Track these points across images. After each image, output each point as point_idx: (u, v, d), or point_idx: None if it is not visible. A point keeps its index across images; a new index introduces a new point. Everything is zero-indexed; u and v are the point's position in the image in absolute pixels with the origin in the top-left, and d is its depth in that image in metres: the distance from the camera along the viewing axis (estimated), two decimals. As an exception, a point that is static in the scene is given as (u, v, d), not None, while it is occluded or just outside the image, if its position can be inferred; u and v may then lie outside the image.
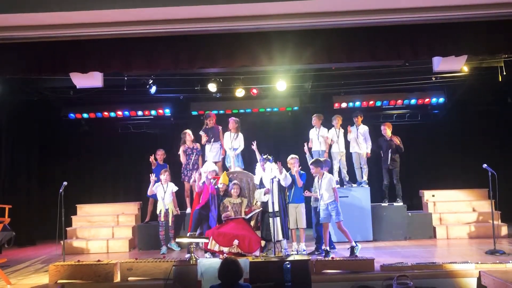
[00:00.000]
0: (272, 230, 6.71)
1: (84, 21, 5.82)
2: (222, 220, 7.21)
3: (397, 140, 8.90)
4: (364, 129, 8.82)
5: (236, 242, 6.60)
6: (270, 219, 6.84)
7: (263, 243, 6.85)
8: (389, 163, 8.86)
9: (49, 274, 5.99)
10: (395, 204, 8.80)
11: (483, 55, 7.54)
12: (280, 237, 6.98)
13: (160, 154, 8.97)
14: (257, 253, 6.60)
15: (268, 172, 7.22)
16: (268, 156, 7.31)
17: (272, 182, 6.79)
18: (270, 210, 6.88)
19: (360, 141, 8.77)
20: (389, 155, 8.86)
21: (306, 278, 5.56)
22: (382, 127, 9.03)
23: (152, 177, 8.22)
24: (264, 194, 7.04)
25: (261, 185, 7.33)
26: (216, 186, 7.45)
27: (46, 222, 9.25)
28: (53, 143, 10.72)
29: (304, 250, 7.30)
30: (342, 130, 8.84)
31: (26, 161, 10.08)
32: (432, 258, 6.63)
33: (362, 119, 8.89)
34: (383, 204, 8.81)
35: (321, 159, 7.64)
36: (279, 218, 6.99)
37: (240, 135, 8.63)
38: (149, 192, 8.29)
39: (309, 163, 7.51)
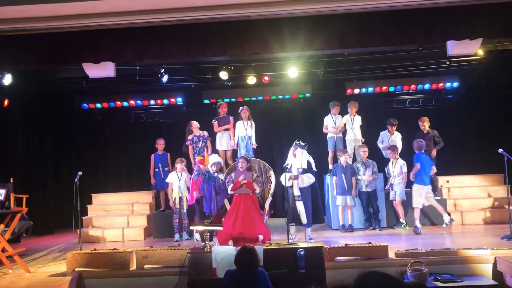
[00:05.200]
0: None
1: (96, 11, 5.84)
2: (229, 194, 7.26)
3: (436, 133, 8.92)
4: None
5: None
6: (297, 203, 7.02)
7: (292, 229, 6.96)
8: (430, 156, 8.78)
9: (67, 262, 6.10)
10: (436, 198, 8.73)
11: (498, 37, 7.37)
12: (304, 220, 7.05)
13: (161, 143, 9.04)
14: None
15: (299, 158, 7.25)
16: (301, 143, 7.32)
17: (297, 171, 7.08)
18: (296, 194, 7.04)
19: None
20: (430, 149, 8.82)
21: (320, 265, 5.58)
22: (419, 122, 8.94)
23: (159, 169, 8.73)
24: (289, 179, 7.06)
25: (290, 169, 7.23)
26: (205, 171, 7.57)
27: (63, 211, 9.38)
28: (67, 133, 10.82)
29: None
30: (358, 117, 8.84)
31: (41, 152, 10.19)
32: (447, 244, 6.59)
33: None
34: None
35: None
36: (301, 203, 7.06)
37: (253, 123, 8.69)
38: (153, 182, 8.94)
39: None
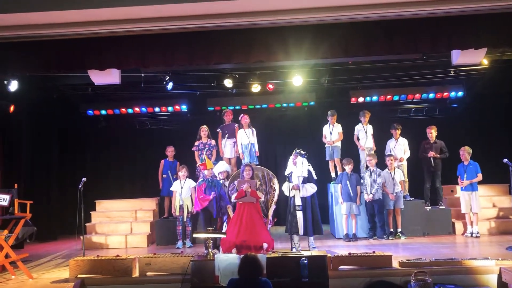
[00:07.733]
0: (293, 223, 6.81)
1: (102, 18, 5.88)
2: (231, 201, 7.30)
3: (443, 144, 8.89)
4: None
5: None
6: (297, 212, 6.98)
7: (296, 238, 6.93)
8: (433, 165, 8.77)
9: (70, 268, 6.09)
10: (440, 207, 8.76)
11: (503, 47, 7.38)
12: (301, 232, 7.02)
13: (171, 150, 9.05)
14: None
15: (299, 167, 7.22)
16: (301, 151, 7.30)
17: (298, 180, 6.99)
18: (297, 203, 7.00)
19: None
20: (434, 158, 8.81)
21: (323, 274, 5.54)
22: (427, 130, 8.91)
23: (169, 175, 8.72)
24: (292, 189, 7.05)
25: (290, 178, 7.22)
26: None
27: (66, 217, 9.39)
28: (72, 140, 10.86)
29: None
30: (370, 126, 8.86)
31: (46, 158, 10.22)
32: (451, 254, 6.54)
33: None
34: (427, 208, 8.67)
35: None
36: (301, 213, 7.04)
37: (254, 130, 8.70)
38: (161, 188, 8.91)
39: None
